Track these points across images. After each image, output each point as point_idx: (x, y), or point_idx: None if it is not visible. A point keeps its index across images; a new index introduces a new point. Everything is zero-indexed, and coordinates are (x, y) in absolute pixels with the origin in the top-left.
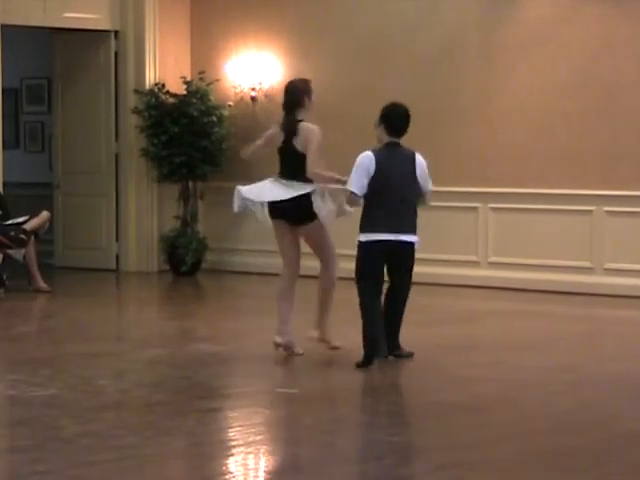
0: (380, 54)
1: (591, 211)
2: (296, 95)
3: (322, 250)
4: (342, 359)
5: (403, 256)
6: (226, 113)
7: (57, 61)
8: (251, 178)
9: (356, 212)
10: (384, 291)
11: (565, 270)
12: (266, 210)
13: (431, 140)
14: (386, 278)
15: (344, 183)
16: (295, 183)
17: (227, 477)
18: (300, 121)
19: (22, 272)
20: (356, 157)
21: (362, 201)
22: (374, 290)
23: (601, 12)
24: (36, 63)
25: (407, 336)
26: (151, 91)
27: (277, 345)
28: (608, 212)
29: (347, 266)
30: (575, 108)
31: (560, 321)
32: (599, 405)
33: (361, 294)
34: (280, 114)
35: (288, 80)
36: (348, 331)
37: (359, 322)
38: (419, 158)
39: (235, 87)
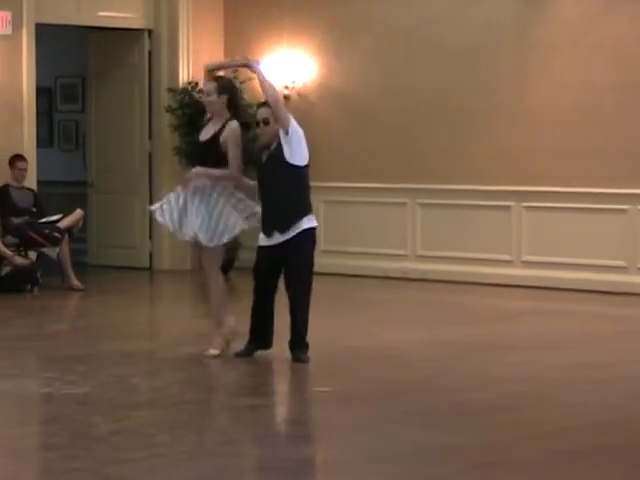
0: (413, 52)
1: (625, 210)
2: None
3: None
4: (376, 358)
5: None
6: None
7: (91, 60)
8: None
9: None
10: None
11: (599, 269)
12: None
13: (464, 138)
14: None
15: None
16: None
17: (259, 475)
18: None
19: (56, 270)
20: (388, 155)
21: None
22: None
23: (635, 11)
24: (70, 62)
25: (439, 335)
26: (184, 89)
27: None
28: None
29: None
30: (609, 107)
31: (594, 320)
32: (632, 404)
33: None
34: (314, 112)
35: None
36: (375, 330)
37: (387, 321)
38: None
39: None
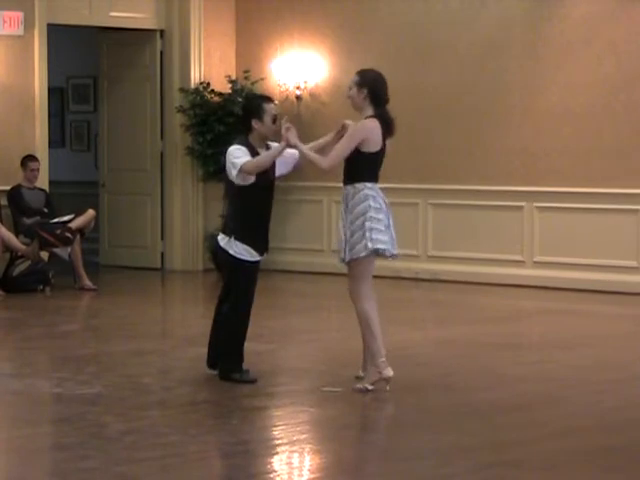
0: (425, 51)
1: (637, 210)
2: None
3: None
4: (388, 358)
5: None
6: None
7: (103, 60)
8: (294, 177)
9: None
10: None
11: (611, 269)
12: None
13: (475, 138)
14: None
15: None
16: None
17: (271, 475)
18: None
19: (68, 270)
20: (400, 155)
21: None
22: None
23: None
24: (82, 62)
25: (451, 335)
26: (196, 90)
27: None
28: None
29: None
30: (621, 106)
31: (606, 320)
32: None
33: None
34: (325, 112)
35: (355, 73)
36: (386, 330)
37: (398, 321)
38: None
39: (280, 86)
